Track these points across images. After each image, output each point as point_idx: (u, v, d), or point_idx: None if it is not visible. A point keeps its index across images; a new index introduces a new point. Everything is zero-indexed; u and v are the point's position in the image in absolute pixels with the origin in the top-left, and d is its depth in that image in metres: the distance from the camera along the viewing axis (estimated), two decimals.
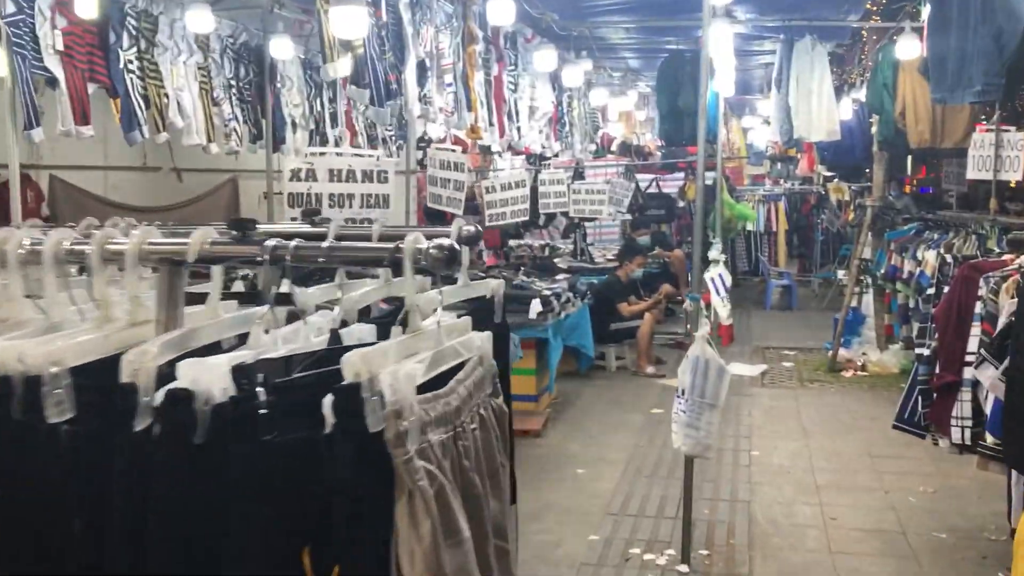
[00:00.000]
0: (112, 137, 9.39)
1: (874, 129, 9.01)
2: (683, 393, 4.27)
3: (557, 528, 4.96)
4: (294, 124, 8.66)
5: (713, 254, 7.98)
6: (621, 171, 12.63)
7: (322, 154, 5.54)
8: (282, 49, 7.29)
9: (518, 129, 7.76)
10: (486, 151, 12.67)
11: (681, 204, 12.72)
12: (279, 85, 8.22)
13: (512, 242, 13.10)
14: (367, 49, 4.72)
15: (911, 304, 7.68)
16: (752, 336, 11.62)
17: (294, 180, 5.62)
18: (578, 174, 12.42)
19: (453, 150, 6.91)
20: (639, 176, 14.41)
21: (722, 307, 7.88)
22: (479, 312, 2.22)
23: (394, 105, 5.11)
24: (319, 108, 9.13)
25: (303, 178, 5.56)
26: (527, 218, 8.45)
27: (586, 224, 13.58)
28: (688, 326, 11.31)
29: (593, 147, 11.31)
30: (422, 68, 5.53)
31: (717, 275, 7.92)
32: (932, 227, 7.85)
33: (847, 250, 14.85)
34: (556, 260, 11.17)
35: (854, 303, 9.88)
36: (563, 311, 7.70)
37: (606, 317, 9.35)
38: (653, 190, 14.26)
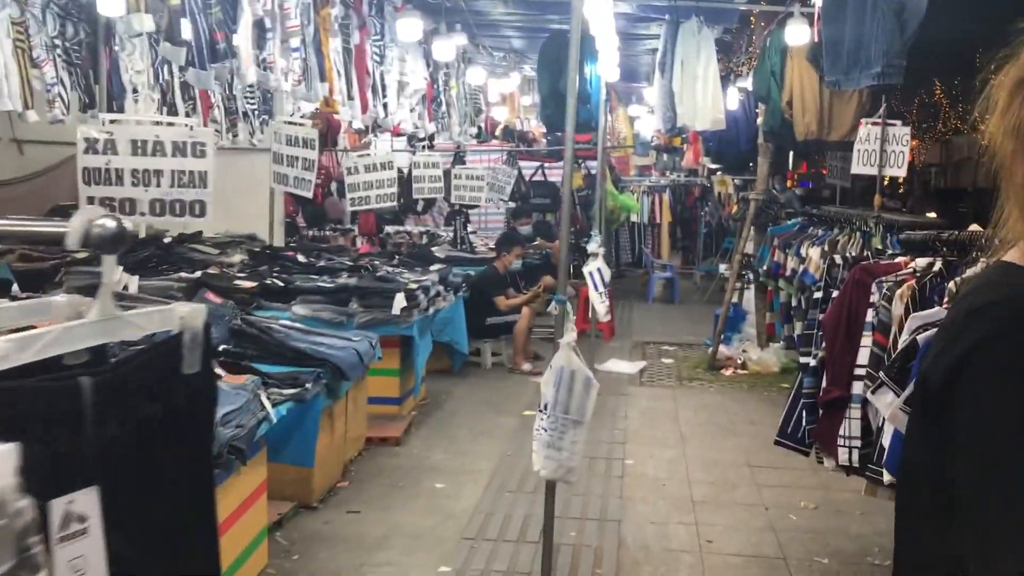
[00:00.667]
0: None
1: (760, 120, 8.70)
2: (545, 408, 3.73)
3: (403, 558, 4.36)
4: (136, 92, 7.76)
5: (592, 247, 7.51)
6: (504, 157, 12.08)
7: (120, 122, 4.69)
8: (111, 6, 6.40)
9: (384, 105, 7.09)
10: (361, 132, 11.94)
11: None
12: (116, 48, 7.30)
13: (389, 228, 12.41)
14: (185, 0, 3.99)
15: (794, 303, 7.38)
16: (633, 330, 11.29)
17: (90, 152, 4.78)
18: (458, 159, 11.84)
19: (301, 124, 6.20)
20: (523, 163, 13.94)
21: (600, 303, 7.41)
22: (157, 357, 1.53)
23: (221, 68, 4.38)
24: (167, 76, 8.25)
25: (100, 150, 4.73)
26: (395, 203, 7.79)
27: (469, 212, 13.03)
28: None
29: (474, 131, 10.71)
30: (261, 28, 4.81)
31: (596, 269, 7.44)
32: (816, 223, 7.57)
33: (730, 243, 14.73)
34: (434, 249, 10.53)
35: (735, 299, 9.61)
36: (432, 306, 7.10)
37: (482, 311, 8.80)
38: (539, 178, 13.79)
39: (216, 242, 10.41)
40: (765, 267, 7.69)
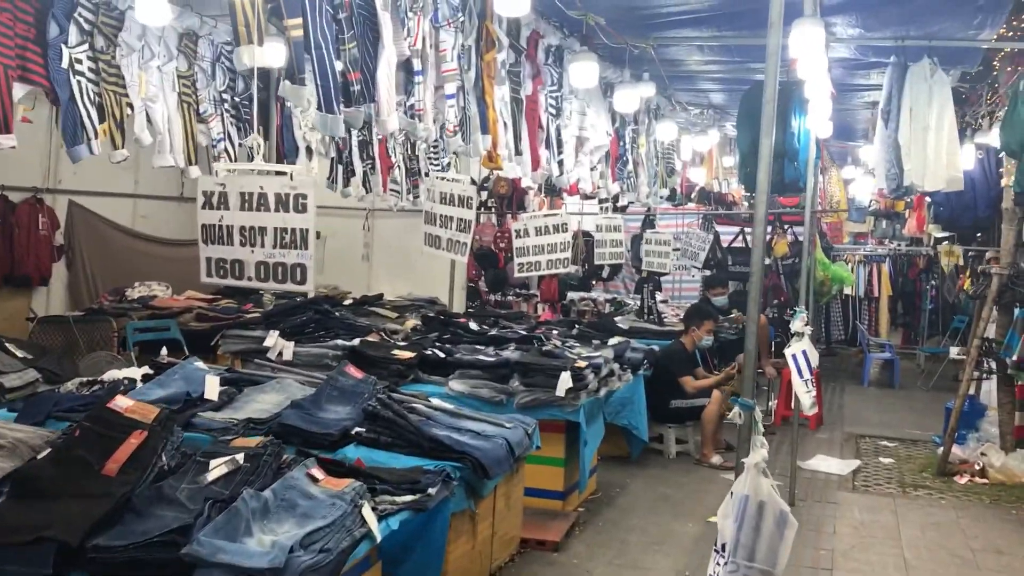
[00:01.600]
0: (144, 161, 8.46)
1: (1005, 180, 7.33)
2: (722, 549, 2.79)
3: None
4: (309, 150, 7.51)
5: (796, 325, 6.40)
6: (699, 221, 11.13)
7: (234, 171, 4.14)
8: (279, 58, 6.13)
9: (560, 163, 6.40)
10: (552, 192, 11.38)
11: (767, 261, 11.13)
12: (290, 104, 7.07)
13: (574, 295, 11.71)
14: (310, 33, 3.45)
15: None
16: (844, 419, 9.91)
17: (206, 207, 4.29)
18: (648, 222, 11.01)
19: (457, 180, 5.61)
20: (721, 228, 12.90)
21: (804, 392, 6.28)
22: None
23: (355, 113, 3.81)
24: (344, 133, 7.99)
25: (215, 204, 4.21)
26: (568, 269, 7.05)
27: (660, 279, 12.12)
28: (772, 401, 9.72)
29: (666, 192, 9.84)
30: (408, 70, 4.24)
31: (800, 352, 6.33)
32: None
33: (961, 322, 12.93)
34: (618, 319, 9.70)
35: (971, 390, 8.12)
36: (603, 387, 6.25)
37: (666, 392, 7.85)
38: (739, 244, 12.70)
39: (396, 305, 10.12)
40: (1015, 357, 6.31)
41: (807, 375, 6.36)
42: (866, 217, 15.70)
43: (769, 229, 11.58)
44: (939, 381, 12.15)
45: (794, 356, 6.37)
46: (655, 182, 9.41)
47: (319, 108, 3.57)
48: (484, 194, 11.41)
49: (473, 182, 11.22)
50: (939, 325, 15.22)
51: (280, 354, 6.33)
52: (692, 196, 11.74)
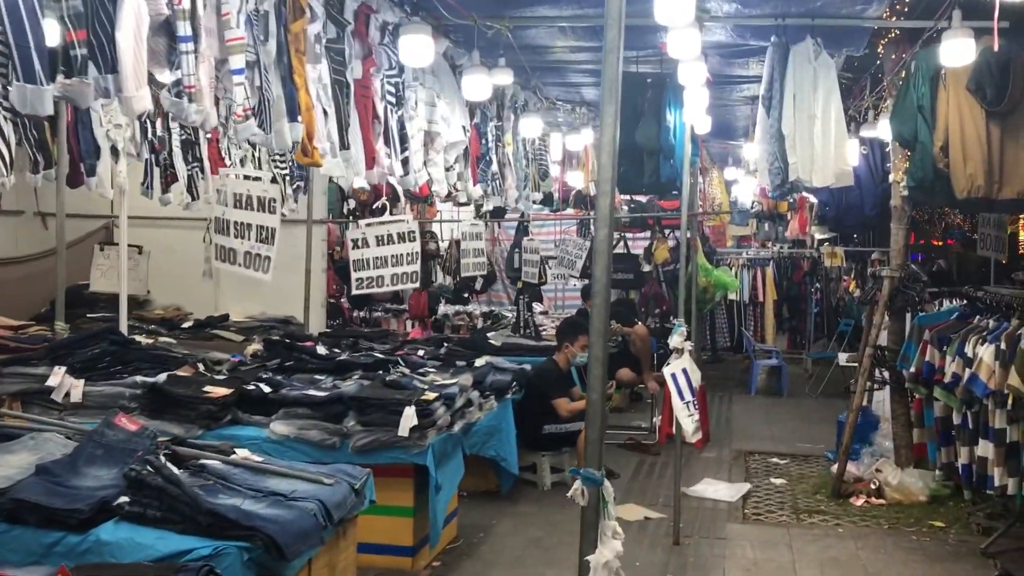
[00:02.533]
0: None
1: (893, 176, 6.80)
2: None
3: None
4: (115, 151, 6.39)
5: (675, 340, 5.69)
6: (576, 227, 10.41)
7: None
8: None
9: (405, 161, 5.50)
10: (419, 200, 10.49)
11: (647, 268, 10.47)
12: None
13: (449, 309, 10.80)
14: None
15: (956, 419, 5.39)
16: (733, 433, 9.30)
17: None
18: (522, 229, 10.22)
19: (256, 179, 4.67)
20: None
21: (687, 416, 5.55)
22: None
23: (79, 87, 2.83)
24: (162, 131, 6.90)
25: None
26: (415, 284, 6.14)
27: (541, 289, 11.36)
28: (656, 418, 9.03)
29: (538, 196, 9.06)
30: (171, 35, 3.27)
31: (680, 370, 5.61)
32: (982, 310, 5.60)
33: (847, 325, 12.62)
34: (492, 335, 8.84)
35: (864, 401, 7.58)
36: (459, 420, 5.38)
37: (539, 417, 7.03)
38: (620, 250, 12.04)
39: (243, 327, 9.02)
40: (913, 368, 5.72)
41: (688, 396, 5.64)
42: (749, 220, 15.35)
43: (649, 234, 10.92)
44: (828, 386, 11.74)
45: (673, 376, 5.64)
46: (526, 185, 8.60)
47: (17, 79, 2.58)
48: (351, 202, 10.44)
49: (342, 191, 10.32)
50: (825, 328, 14.97)
51: (68, 395, 5.23)
52: (568, 200, 11.01)
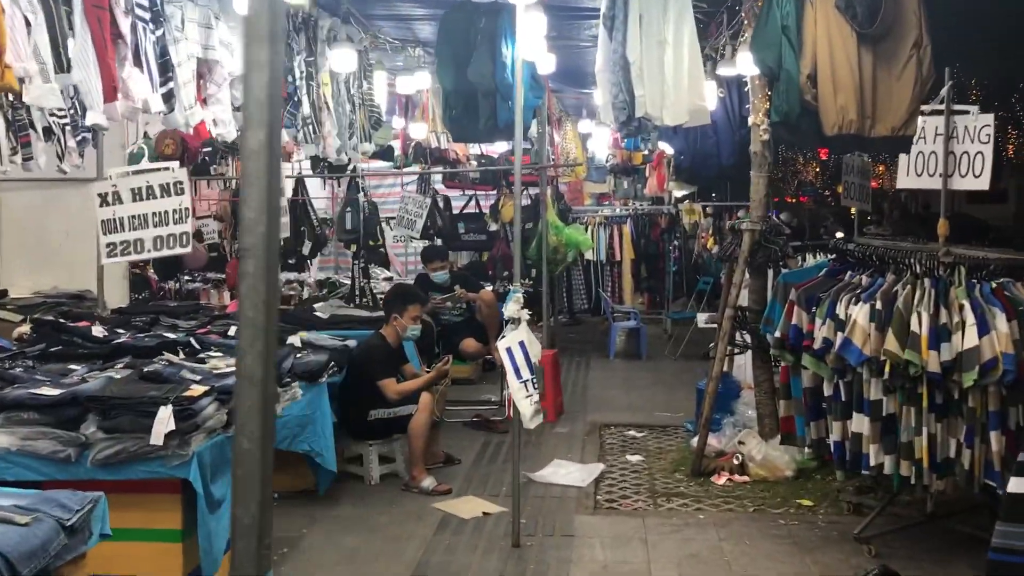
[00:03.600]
0: None
1: (753, 118, 6.11)
2: None
3: None
4: None
5: (510, 308, 4.82)
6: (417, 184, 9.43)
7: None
8: None
9: (168, 94, 4.37)
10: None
11: (493, 227, 9.58)
12: None
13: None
14: None
15: (827, 390, 4.73)
16: (588, 403, 8.60)
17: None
18: (354, 186, 9.14)
19: (161, 168, 3.55)
20: (451, 192, 11.28)
21: (525, 398, 4.70)
22: None
23: None
24: None
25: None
26: (187, 248, 5.02)
27: (383, 251, 10.32)
28: (505, 391, 8.22)
29: (369, 148, 7.99)
30: None
31: (516, 344, 4.75)
32: (853, 265, 4.95)
33: (705, 284, 12.14)
34: (319, 305, 7.78)
35: (725, 367, 6.96)
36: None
37: (364, 401, 6.07)
38: (472, 210, 11.11)
39: (25, 304, 7.71)
40: (778, 333, 5.03)
41: (526, 374, 4.78)
42: (607, 176, 14.72)
43: (496, 191, 10.02)
44: (688, 348, 11.23)
45: (509, 351, 4.77)
46: (352, 134, 7.53)
47: None
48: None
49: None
50: (684, 287, 14.54)
51: None
52: (408, 155, 9.97)
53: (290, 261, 8.67)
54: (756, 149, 6.25)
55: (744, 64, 5.77)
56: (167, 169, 4.40)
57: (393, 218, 9.52)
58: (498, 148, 11.96)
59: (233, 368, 4.48)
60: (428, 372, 6.28)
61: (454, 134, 6.83)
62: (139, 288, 9.07)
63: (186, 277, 9.26)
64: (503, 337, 4.82)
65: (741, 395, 7.05)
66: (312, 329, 6.98)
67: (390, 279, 10.18)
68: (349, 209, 8.78)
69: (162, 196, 4.37)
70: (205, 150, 8.60)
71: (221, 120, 5.03)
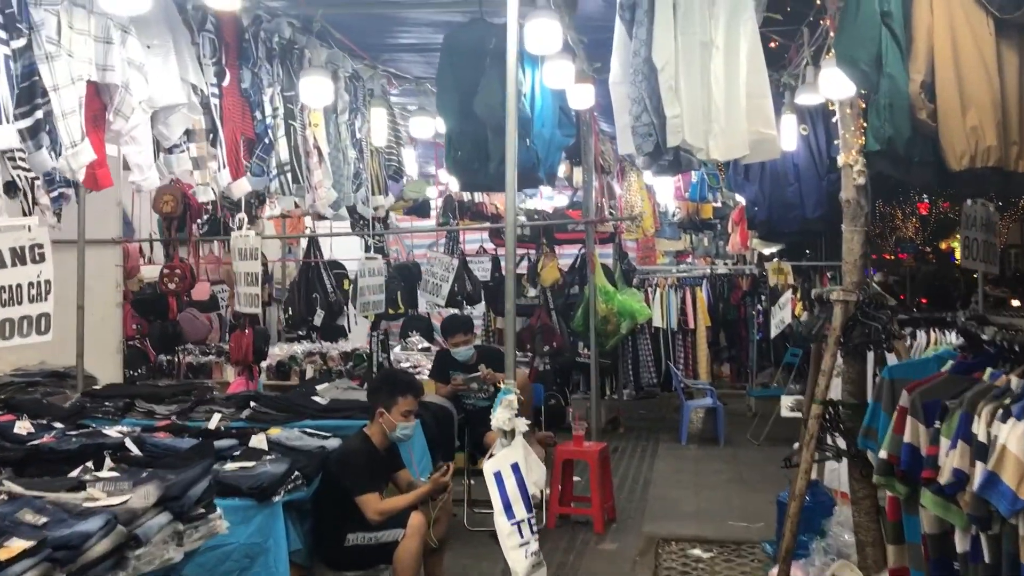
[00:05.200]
0: None
1: (843, 157, 4.67)
2: None
3: None
4: None
5: (499, 416, 3.46)
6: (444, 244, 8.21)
7: None
8: None
9: (33, 128, 3.23)
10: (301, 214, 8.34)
11: (532, 293, 8.25)
12: None
13: (281, 349, 8.46)
14: None
15: (961, 546, 3.20)
16: (647, 508, 7.13)
17: None
18: (368, 247, 7.97)
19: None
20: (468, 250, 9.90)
21: (517, 548, 3.32)
22: None
23: None
24: None
25: None
26: (45, 335, 3.81)
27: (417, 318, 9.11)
28: (543, 492, 6.80)
29: (384, 201, 6.80)
30: None
31: (509, 466, 3.39)
32: (993, 356, 3.44)
33: (794, 356, 10.50)
34: (322, 388, 6.58)
35: (813, 474, 5.40)
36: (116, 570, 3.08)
37: (339, 521, 4.75)
38: (523, 270, 9.79)
39: None
40: (883, 453, 3.54)
41: (520, 512, 3.40)
42: (681, 232, 13.27)
43: (535, 252, 8.62)
44: (774, 429, 9.63)
45: (498, 476, 3.42)
46: (359, 186, 6.36)
47: None
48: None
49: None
50: (771, 356, 12.90)
51: None
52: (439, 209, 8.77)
53: (299, 333, 7.51)
54: (849, 196, 4.78)
55: (830, 83, 4.35)
56: (22, 228, 3.24)
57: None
58: (557, 202, 10.71)
59: (120, 499, 3.25)
60: (424, 482, 4.93)
61: (460, 181, 5.56)
62: (135, 363, 8.06)
63: (189, 349, 8.20)
64: (491, 457, 3.47)
65: (836, 511, 5.49)
66: (306, 417, 5.82)
67: (426, 349, 8.93)
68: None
69: (14, 264, 3.21)
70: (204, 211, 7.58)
71: (137, 165, 3.87)
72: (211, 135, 4.65)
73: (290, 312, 7.47)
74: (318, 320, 7.33)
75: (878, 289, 4.85)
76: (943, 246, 36.90)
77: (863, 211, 4.82)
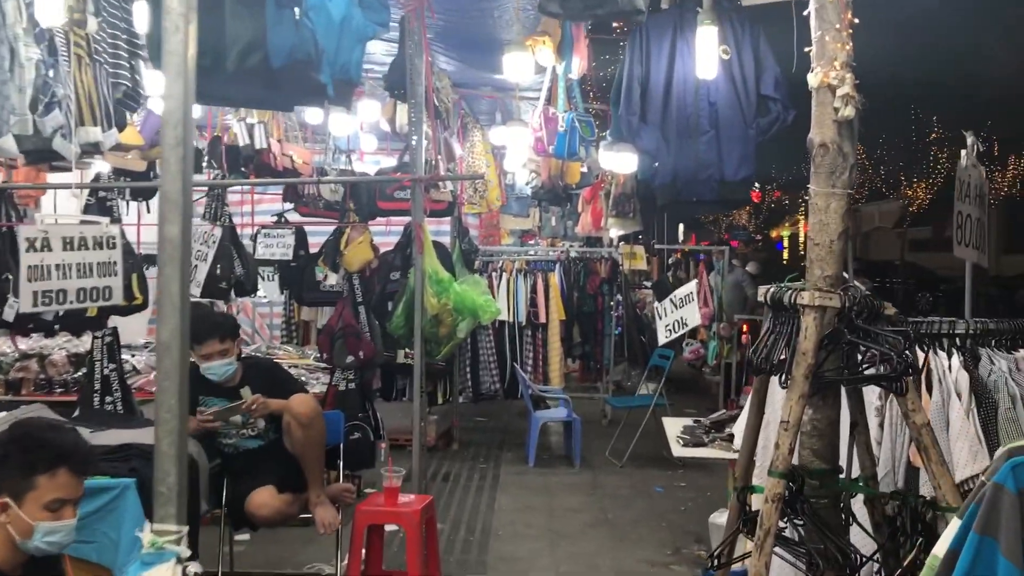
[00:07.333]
0: None
1: (821, 77, 2.82)
2: None
3: None
4: None
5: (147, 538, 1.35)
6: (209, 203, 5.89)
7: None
8: None
9: None
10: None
11: (333, 280, 6.01)
12: None
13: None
14: None
15: None
16: (489, 571, 5.17)
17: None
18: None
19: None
20: (305, 221, 7.55)
21: None
22: None
23: None
24: None
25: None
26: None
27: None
28: (343, 561, 4.61)
29: (105, 136, 4.42)
30: None
31: None
32: None
33: (663, 358, 8.78)
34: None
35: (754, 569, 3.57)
36: None
37: None
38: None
39: None
40: None
41: None
42: (529, 208, 11.39)
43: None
44: (639, 445, 7.92)
45: None
46: (52, 109, 4.03)
47: None
48: None
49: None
50: (624, 348, 11.32)
51: None
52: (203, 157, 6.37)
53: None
54: (824, 138, 2.95)
55: None
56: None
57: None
58: (386, 164, 8.37)
59: None
60: None
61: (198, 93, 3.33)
62: None
63: None
64: None
65: None
66: None
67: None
68: None
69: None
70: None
71: None
72: None
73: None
74: (9, 312, 4.85)
75: (864, 291, 3.01)
76: (773, 234, 37.21)
77: (847, 164, 3.02)
